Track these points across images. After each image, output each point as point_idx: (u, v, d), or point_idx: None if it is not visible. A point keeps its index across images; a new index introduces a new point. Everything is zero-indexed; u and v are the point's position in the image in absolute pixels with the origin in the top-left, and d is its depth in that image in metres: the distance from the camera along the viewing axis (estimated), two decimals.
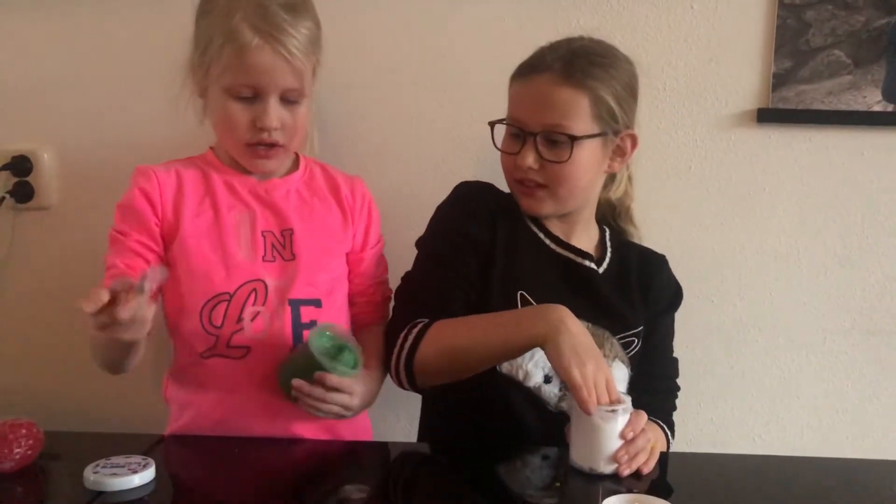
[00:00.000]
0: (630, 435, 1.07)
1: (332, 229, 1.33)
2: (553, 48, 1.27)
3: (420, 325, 1.21)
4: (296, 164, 1.36)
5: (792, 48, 1.51)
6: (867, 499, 1.07)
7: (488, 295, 1.26)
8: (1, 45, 1.58)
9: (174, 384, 1.29)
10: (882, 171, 1.55)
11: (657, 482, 1.08)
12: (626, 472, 1.06)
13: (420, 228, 1.35)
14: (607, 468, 1.06)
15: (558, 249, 1.32)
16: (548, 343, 1.10)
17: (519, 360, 1.24)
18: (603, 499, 0.94)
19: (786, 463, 1.21)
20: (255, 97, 1.21)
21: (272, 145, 1.24)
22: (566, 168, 1.23)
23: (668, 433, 1.32)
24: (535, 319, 1.14)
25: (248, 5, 1.17)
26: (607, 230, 1.41)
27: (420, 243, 1.34)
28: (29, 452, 1.03)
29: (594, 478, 1.06)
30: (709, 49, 1.53)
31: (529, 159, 1.24)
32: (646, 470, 1.08)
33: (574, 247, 1.33)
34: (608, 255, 1.37)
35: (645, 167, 1.44)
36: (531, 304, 1.25)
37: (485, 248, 1.28)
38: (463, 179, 1.37)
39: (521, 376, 1.24)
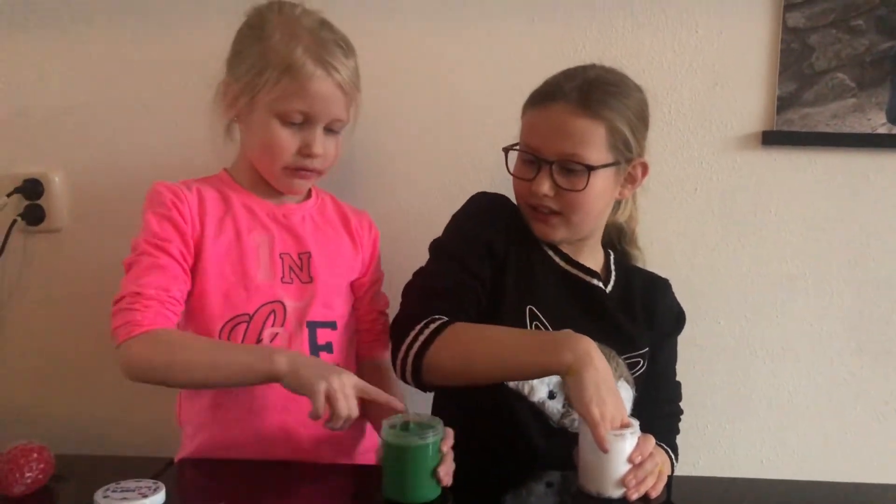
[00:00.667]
0: (638, 459, 1.07)
1: (344, 255, 1.36)
2: (568, 76, 1.28)
3: (438, 323, 1.19)
4: (308, 193, 1.38)
5: (796, 71, 1.52)
6: None
7: (499, 304, 1.27)
8: (12, 70, 1.60)
9: (189, 405, 1.28)
10: (887, 192, 1.55)
11: None
12: (634, 496, 1.06)
13: (424, 249, 1.35)
14: (615, 492, 1.06)
15: (567, 267, 1.33)
16: (572, 375, 1.08)
17: None
18: None
19: (794, 487, 1.21)
20: (303, 124, 1.23)
21: (309, 170, 1.28)
22: (581, 196, 1.25)
23: (673, 457, 1.32)
24: (561, 348, 1.11)
25: (308, 37, 1.21)
26: (612, 254, 1.42)
27: (435, 244, 1.33)
28: (40, 476, 1.04)
29: (602, 502, 1.06)
30: (714, 73, 1.54)
31: (545, 187, 1.25)
32: (654, 494, 1.08)
33: (583, 265, 1.34)
34: (613, 277, 1.38)
35: (651, 190, 1.44)
36: (539, 319, 1.26)
37: (499, 256, 1.29)
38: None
39: (526, 390, 1.25)
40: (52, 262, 1.63)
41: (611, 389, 1.08)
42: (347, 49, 1.26)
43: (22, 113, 1.61)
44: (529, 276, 1.30)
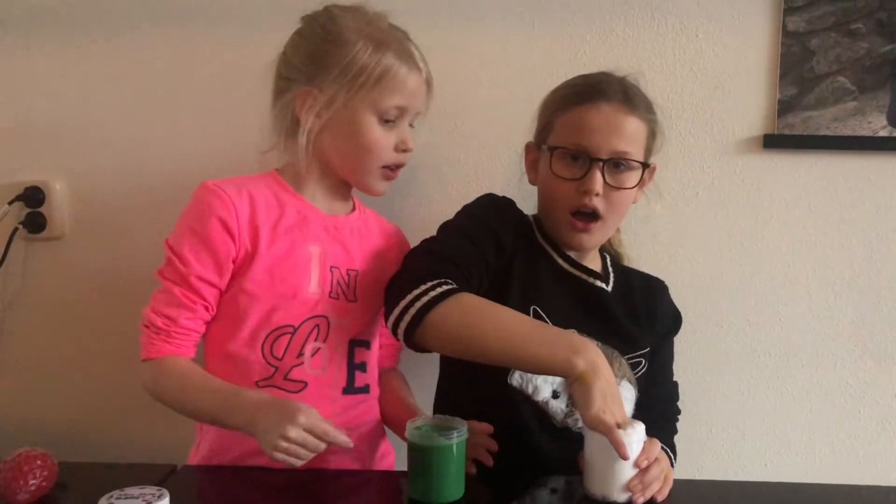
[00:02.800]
0: (644, 463, 1.07)
1: (386, 274, 1.33)
2: (601, 78, 1.30)
3: (449, 286, 1.15)
4: (353, 206, 1.38)
5: (797, 75, 1.52)
6: None
7: (504, 303, 1.23)
8: (12, 79, 1.60)
9: None
10: (888, 196, 1.55)
11: None
12: (640, 500, 1.05)
13: None
14: (621, 496, 1.06)
15: (572, 270, 1.34)
16: (581, 384, 1.07)
17: (529, 374, 1.25)
18: None
19: (797, 490, 1.20)
20: (394, 121, 1.27)
21: (399, 166, 1.31)
22: (624, 196, 1.28)
23: (671, 456, 1.32)
24: (573, 353, 1.09)
25: (391, 39, 1.25)
26: (608, 256, 1.43)
27: (443, 225, 1.31)
28: (44, 484, 1.03)
29: None
30: (714, 77, 1.55)
31: (598, 184, 1.25)
32: (660, 498, 1.08)
33: (586, 267, 1.34)
34: (612, 278, 1.39)
35: (652, 195, 1.44)
36: (544, 319, 1.26)
37: (506, 252, 1.29)
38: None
39: (530, 390, 1.26)
40: (54, 270, 1.63)
41: (615, 397, 1.08)
42: (417, 45, 1.30)
43: (23, 121, 1.61)
44: (534, 277, 1.30)
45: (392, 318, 1.17)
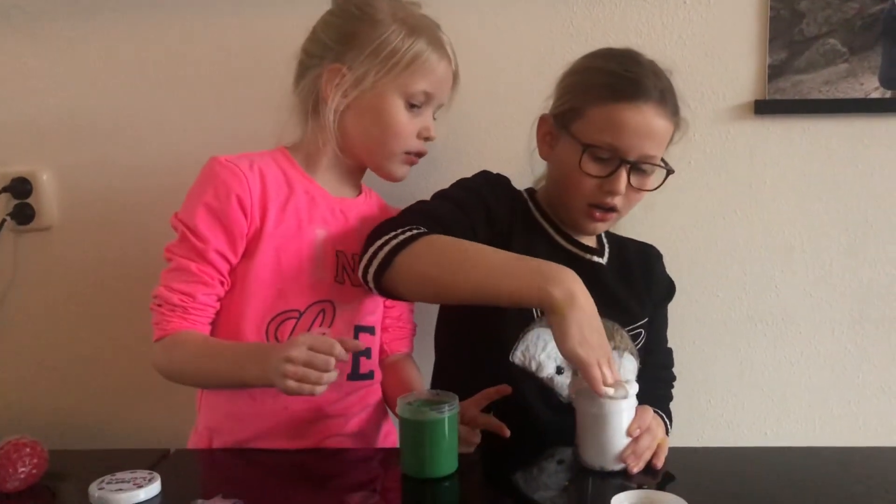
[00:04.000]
0: (637, 432, 1.06)
1: None
2: (638, 66, 1.24)
3: (419, 231, 1.14)
4: (360, 189, 1.37)
5: (786, 39, 1.50)
6: (880, 485, 1.05)
7: None
8: None
9: (219, 392, 1.26)
10: (883, 158, 1.54)
11: (668, 477, 1.07)
12: (635, 469, 1.05)
13: None
14: (616, 466, 1.05)
15: (568, 246, 1.33)
16: (557, 314, 1.02)
17: (532, 350, 1.24)
18: (613, 495, 0.93)
19: (798, 454, 1.20)
20: (420, 107, 1.26)
21: (420, 154, 1.30)
22: (642, 195, 1.28)
23: (667, 422, 1.32)
24: (549, 281, 1.04)
25: (424, 24, 1.26)
26: None
27: (437, 192, 1.31)
28: (34, 471, 1.02)
29: (605, 475, 1.05)
30: (703, 43, 1.53)
31: (622, 186, 1.24)
32: (658, 465, 1.07)
33: (581, 243, 1.34)
34: (606, 249, 1.38)
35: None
36: None
37: (498, 225, 1.27)
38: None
39: (533, 367, 1.24)
40: (43, 261, 1.62)
41: (595, 329, 1.04)
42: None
43: (8, 112, 1.60)
44: (529, 249, 1.26)
45: (363, 264, 1.16)
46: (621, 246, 1.41)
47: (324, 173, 1.29)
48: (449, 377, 1.34)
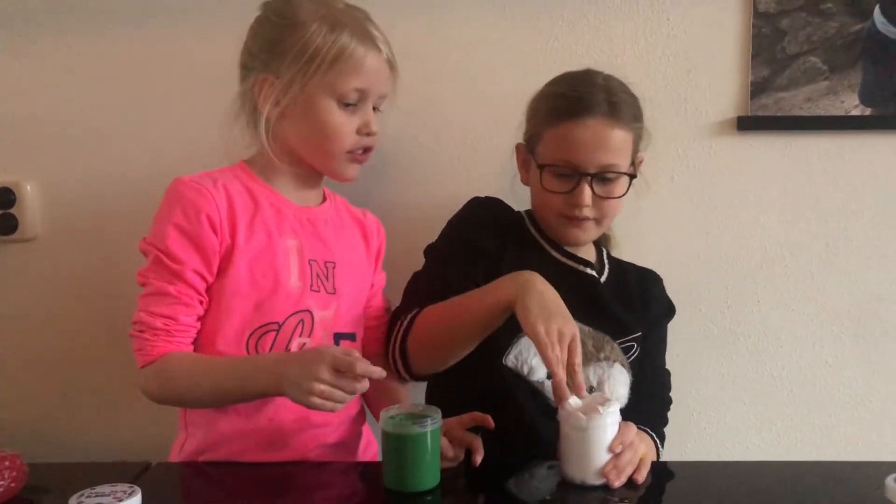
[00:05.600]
0: (619, 448, 1.06)
1: (363, 264, 1.35)
2: (588, 83, 1.30)
3: (415, 311, 1.25)
4: (323, 196, 1.36)
5: (768, 56, 1.52)
6: (860, 500, 1.06)
7: None
8: None
9: (202, 411, 1.24)
10: (863, 174, 1.56)
11: (651, 491, 1.07)
12: (616, 484, 1.05)
13: (409, 250, 1.38)
14: (598, 480, 1.06)
15: (561, 258, 1.36)
16: (517, 303, 1.11)
17: (525, 354, 1.26)
18: None
19: (779, 468, 1.20)
20: (356, 104, 1.24)
21: (367, 150, 1.28)
22: (616, 202, 1.31)
23: (658, 444, 1.32)
24: (505, 283, 1.17)
25: (347, 19, 1.23)
26: (604, 249, 1.45)
27: (429, 249, 1.37)
28: (13, 485, 1.01)
29: (586, 489, 1.05)
30: (686, 60, 1.54)
31: (588, 198, 1.28)
32: (639, 480, 1.07)
33: (575, 255, 1.37)
34: (607, 269, 1.41)
35: (640, 185, 1.43)
36: None
37: (493, 257, 1.32)
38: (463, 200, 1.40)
39: (525, 371, 1.26)
40: (26, 272, 1.61)
41: (557, 309, 1.11)
42: (377, 25, 1.27)
43: None
44: (524, 267, 1.29)
45: (392, 368, 1.27)
46: (622, 268, 1.43)
47: (284, 183, 1.28)
48: (442, 379, 1.33)
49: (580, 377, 1.09)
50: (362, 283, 1.36)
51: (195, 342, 1.22)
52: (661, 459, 1.32)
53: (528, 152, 1.36)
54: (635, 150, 1.33)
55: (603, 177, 1.28)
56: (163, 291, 1.17)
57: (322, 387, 1.04)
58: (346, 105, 1.23)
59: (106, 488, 0.98)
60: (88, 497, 0.95)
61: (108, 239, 1.60)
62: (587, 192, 1.28)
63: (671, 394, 1.43)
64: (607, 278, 1.39)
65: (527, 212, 1.42)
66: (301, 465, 1.19)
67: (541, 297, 1.11)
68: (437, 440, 1.05)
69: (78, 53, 1.57)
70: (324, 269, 1.27)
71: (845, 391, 1.60)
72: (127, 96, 1.58)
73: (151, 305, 1.17)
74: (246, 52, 1.27)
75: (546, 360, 1.06)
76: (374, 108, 1.28)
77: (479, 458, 1.13)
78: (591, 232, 1.34)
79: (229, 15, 1.52)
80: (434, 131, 1.57)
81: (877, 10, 1.49)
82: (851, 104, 1.52)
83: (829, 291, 1.59)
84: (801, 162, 1.56)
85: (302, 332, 1.23)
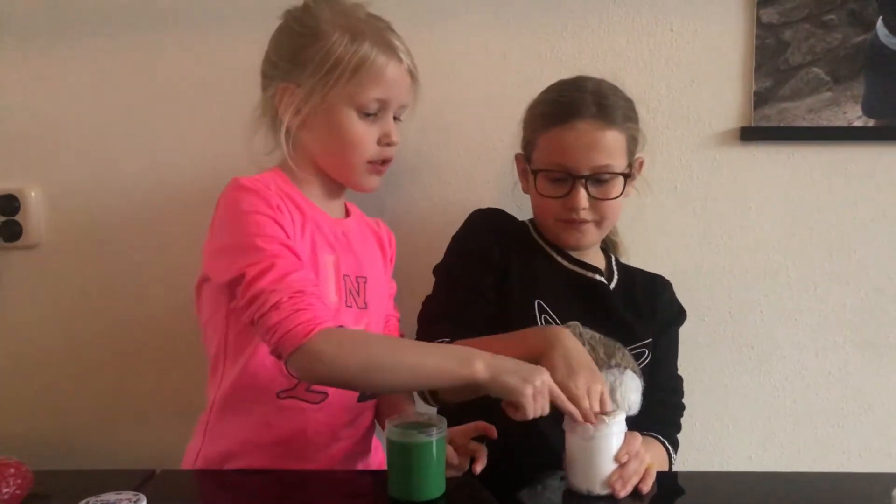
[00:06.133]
0: (625, 458, 1.06)
1: (385, 276, 1.36)
2: (577, 89, 1.31)
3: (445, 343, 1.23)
4: (346, 209, 1.35)
5: (772, 67, 1.53)
6: None
7: (507, 307, 1.30)
8: None
9: (230, 416, 1.22)
10: (865, 185, 1.56)
11: (656, 501, 1.07)
12: (622, 494, 1.05)
13: (430, 258, 1.38)
14: (603, 490, 1.06)
15: (569, 265, 1.37)
16: (543, 358, 1.11)
17: None
18: None
19: (785, 479, 1.21)
20: (376, 114, 1.23)
21: (387, 160, 1.27)
22: (614, 203, 1.31)
23: (671, 451, 1.32)
24: (535, 336, 1.18)
25: (368, 29, 1.22)
26: (613, 256, 1.46)
27: (437, 269, 1.37)
28: (17, 492, 1.01)
29: (592, 500, 1.05)
30: (690, 70, 1.55)
31: (583, 200, 1.29)
32: (645, 489, 1.07)
33: (583, 262, 1.37)
34: (616, 276, 1.41)
35: (641, 186, 1.44)
36: (548, 312, 1.30)
37: (499, 264, 1.32)
38: (468, 210, 1.40)
39: None
40: (30, 278, 1.61)
41: (582, 363, 1.11)
42: (399, 35, 1.26)
43: None
44: (533, 276, 1.33)
45: (420, 396, 1.27)
46: (630, 274, 1.44)
47: (314, 194, 1.27)
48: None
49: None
50: (386, 296, 1.36)
51: (229, 350, 1.20)
52: (673, 466, 1.32)
53: (525, 160, 1.38)
54: (631, 151, 1.33)
55: (597, 178, 1.29)
56: (296, 263, 1.11)
57: (543, 398, 1.04)
58: (366, 115, 1.23)
59: (111, 496, 0.98)
60: None
61: (112, 246, 1.60)
62: (582, 195, 1.28)
63: (684, 399, 1.43)
64: (616, 285, 1.39)
65: (531, 221, 1.43)
66: (305, 473, 1.19)
67: (567, 350, 1.12)
68: (442, 449, 1.05)
69: (82, 60, 1.57)
70: (355, 285, 1.27)
71: (849, 401, 1.60)
72: (131, 103, 1.58)
73: (292, 274, 1.08)
74: (267, 61, 1.26)
75: (584, 413, 1.06)
76: (395, 118, 1.28)
77: (479, 467, 1.12)
78: (591, 235, 1.34)
79: (236, 22, 1.54)
80: (436, 140, 1.57)
81: (879, 22, 1.50)
82: (854, 115, 1.53)
83: (832, 301, 1.59)
84: (803, 172, 1.56)
85: None
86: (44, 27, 1.56)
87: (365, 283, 1.28)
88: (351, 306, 1.25)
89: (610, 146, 1.28)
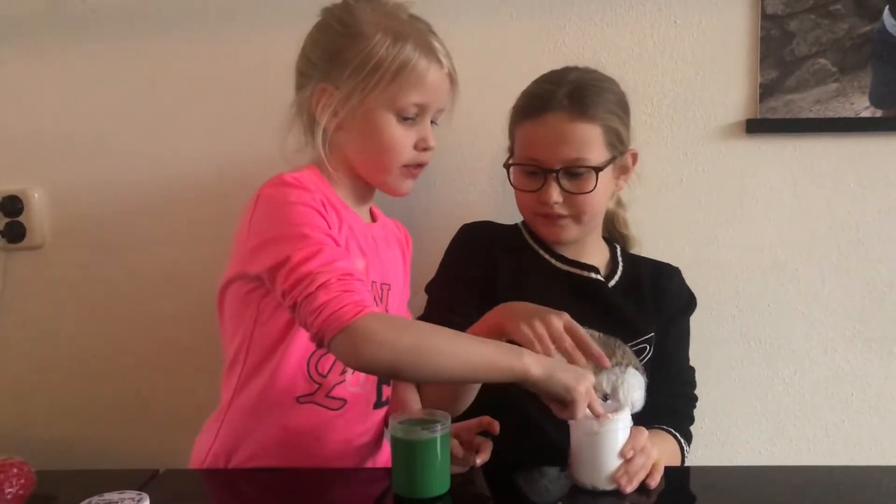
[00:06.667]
0: (630, 453, 1.05)
1: (404, 283, 1.35)
2: (552, 83, 1.30)
3: None
4: (373, 214, 1.34)
5: (777, 58, 1.51)
6: None
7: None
8: None
9: (246, 416, 1.21)
10: (873, 176, 1.54)
11: (663, 496, 1.06)
12: (627, 489, 1.04)
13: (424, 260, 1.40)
14: (609, 486, 1.05)
15: (564, 267, 1.36)
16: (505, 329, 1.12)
17: None
18: None
19: (791, 473, 1.19)
20: (414, 118, 1.22)
21: (421, 164, 1.26)
22: (589, 197, 1.29)
23: (683, 443, 1.31)
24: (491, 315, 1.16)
25: (411, 31, 1.20)
26: (618, 247, 1.44)
27: (428, 289, 1.38)
28: (21, 492, 1.01)
29: (597, 495, 1.05)
30: (695, 63, 1.53)
31: (555, 194, 1.28)
32: (652, 485, 1.06)
33: (578, 262, 1.36)
34: (620, 268, 1.40)
35: (636, 182, 1.43)
36: None
37: (485, 285, 1.31)
38: (469, 207, 1.45)
39: None
40: (34, 279, 1.62)
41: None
42: (440, 38, 1.25)
43: (0, 129, 1.59)
44: (522, 281, 1.32)
45: None
46: (636, 266, 1.42)
47: (347, 196, 1.25)
48: None
49: (594, 347, 1.10)
50: (403, 304, 1.36)
51: (251, 351, 1.19)
52: (686, 459, 1.31)
53: (510, 154, 1.37)
54: (611, 144, 1.29)
55: (570, 172, 1.27)
56: (340, 252, 1.09)
57: (587, 396, 1.03)
58: (404, 119, 1.21)
59: (114, 495, 0.98)
60: None
61: (116, 246, 1.60)
62: (554, 189, 1.27)
63: (696, 391, 1.42)
64: (619, 279, 1.38)
65: (523, 222, 1.41)
66: (311, 470, 1.18)
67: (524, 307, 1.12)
68: (446, 446, 1.04)
69: (85, 61, 1.57)
70: (380, 292, 1.26)
71: (858, 396, 1.59)
72: (135, 105, 1.58)
73: (338, 261, 1.06)
74: (304, 59, 1.24)
75: (595, 413, 1.05)
76: (431, 122, 1.26)
77: (479, 460, 1.11)
78: (570, 230, 1.33)
79: (240, 24, 1.54)
80: (437, 136, 1.56)
81: (886, 11, 1.48)
82: (861, 106, 1.51)
83: (840, 294, 1.57)
84: (810, 164, 1.55)
85: None
86: (47, 28, 1.56)
87: (388, 290, 1.27)
88: None
89: (582, 139, 1.26)
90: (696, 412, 1.41)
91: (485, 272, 1.33)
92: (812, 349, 1.58)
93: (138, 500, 0.97)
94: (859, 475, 1.19)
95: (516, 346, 1.06)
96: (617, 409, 1.07)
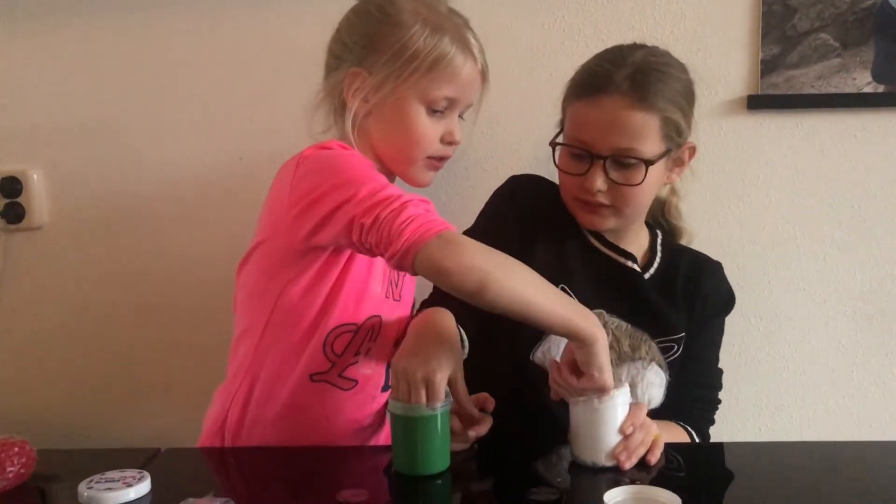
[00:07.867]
0: (630, 430, 1.05)
1: None
2: (615, 63, 1.21)
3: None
4: None
5: (779, 34, 1.50)
6: (875, 480, 1.05)
7: None
8: None
9: (259, 391, 1.21)
10: (875, 152, 1.53)
11: (662, 472, 1.06)
12: (627, 465, 1.04)
13: None
14: (609, 462, 1.05)
15: (603, 249, 1.31)
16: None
17: (554, 351, 1.23)
18: (606, 490, 0.93)
19: (791, 449, 1.20)
20: (443, 111, 1.21)
21: (444, 157, 1.25)
22: (636, 190, 1.21)
23: (695, 438, 1.29)
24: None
25: (449, 24, 1.20)
26: (659, 235, 1.39)
27: (466, 234, 1.31)
28: (22, 471, 1.01)
29: (597, 471, 1.05)
30: (695, 38, 1.52)
31: (598, 182, 1.21)
32: (653, 461, 1.06)
33: (618, 247, 1.31)
34: (657, 259, 1.34)
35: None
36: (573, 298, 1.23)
37: (520, 243, 1.24)
38: (490, 189, 1.38)
39: (548, 363, 1.22)
40: (33, 260, 1.62)
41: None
42: (476, 33, 1.24)
43: (0, 111, 1.59)
44: (561, 257, 1.28)
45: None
46: (677, 256, 1.36)
47: None
48: (467, 374, 1.31)
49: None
50: (413, 288, 1.35)
51: (269, 327, 1.19)
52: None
53: (560, 129, 1.30)
54: (669, 137, 1.22)
55: (619, 161, 1.20)
56: (391, 185, 1.08)
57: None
58: (434, 111, 1.21)
59: (115, 474, 0.98)
60: (98, 483, 0.96)
61: (115, 227, 1.60)
62: (598, 176, 1.20)
63: (721, 394, 1.38)
64: (655, 272, 1.32)
65: None
66: (311, 449, 1.19)
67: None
68: (446, 423, 1.04)
69: (84, 42, 1.56)
70: (395, 276, 1.26)
71: (859, 372, 1.59)
72: (135, 87, 1.57)
73: (399, 191, 1.05)
74: (339, 42, 1.23)
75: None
76: (461, 118, 1.26)
77: (474, 433, 1.09)
78: (608, 220, 1.26)
79: (245, 7, 1.53)
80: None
81: None
82: (864, 81, 1.50)
83: (841, 271, 1.57)
84: (812, 141, 1.54)
85: (371, 336, 1.22)
86: (48, 8, 1.55)
87: (403, 275, 1.27)
88: (389, 298, 1.24)
89: (637, 128, 1.19)
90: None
91: (523, 235, 1.27)
92: (812, 325, 1.58)
93: (139, 479, 0.98)
94: (860, 450, 1.19)
95: (584, 308, 1.05)
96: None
